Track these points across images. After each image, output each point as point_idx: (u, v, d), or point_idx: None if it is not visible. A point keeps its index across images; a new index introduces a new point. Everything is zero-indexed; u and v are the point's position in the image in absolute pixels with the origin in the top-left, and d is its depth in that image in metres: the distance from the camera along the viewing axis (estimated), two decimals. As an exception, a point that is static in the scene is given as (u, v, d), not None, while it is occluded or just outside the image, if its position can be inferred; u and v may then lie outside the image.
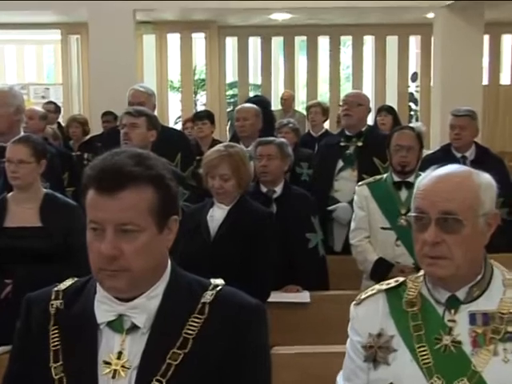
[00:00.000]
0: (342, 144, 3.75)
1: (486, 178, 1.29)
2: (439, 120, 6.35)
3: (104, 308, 1.14)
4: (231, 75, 9.16)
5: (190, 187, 3.26)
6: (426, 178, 1.28)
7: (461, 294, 1.28)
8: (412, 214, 1.27)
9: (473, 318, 1.26)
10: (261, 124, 3.95)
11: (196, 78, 9.45)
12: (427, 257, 1.25)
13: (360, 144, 3.70)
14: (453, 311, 1.28)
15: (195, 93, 9.27)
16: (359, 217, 3.09)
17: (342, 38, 8.48)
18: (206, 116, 4.66)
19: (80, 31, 7.68)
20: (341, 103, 3.82)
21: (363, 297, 1.35)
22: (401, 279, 1.35)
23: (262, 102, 4.96)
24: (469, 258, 1.25)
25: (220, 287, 1.18)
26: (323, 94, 9.17)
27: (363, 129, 3.76)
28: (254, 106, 4.11)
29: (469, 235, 1.24)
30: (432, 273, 1.26)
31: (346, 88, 8.95)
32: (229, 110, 8.57)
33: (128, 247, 1.09)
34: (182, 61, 8.25)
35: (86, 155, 5.35)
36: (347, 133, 3.78)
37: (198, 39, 8.69)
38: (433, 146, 6.27)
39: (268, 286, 2.64)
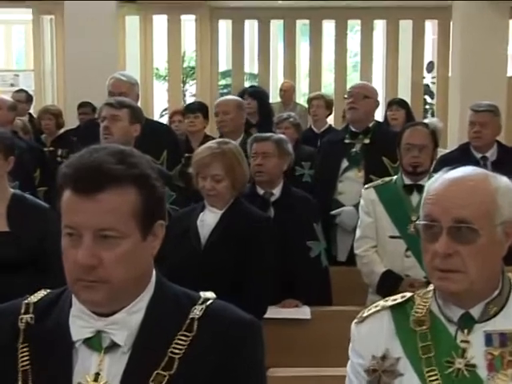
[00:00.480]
0: (346, 141, 3.77)
1: (504, 181, 1.29)
2: (458, 115, 6.37)
3: (80, 324, 1.15)
4: (224, 63, 9.17)
5: (178, 188, 3.28)
6: (436, 182, 1.28)
7: (475, 311, 1.28)
8: (421, 221, 1.28)
9: (489, 338, 1.26)
10: (244, 118, 3.99)
11: (185, 65, 9.46)
12: (438, 270, 1.25)
13: (367, 141, 3.72)
14: (466, 331, 1.28)
15: (184, 82, 9.27)
16: (365, 224, 3.10)
17: (350, 22, 8.51)
18: (199, 109, 4.67)
19: (54, 11, 7.69)
20: (346, 95, 3.84)
21: (366, 314, 1.35)
22: (408, 295, 1.36)
23: (259, 94, 5.02)
24: (485, 271, 1.25)
25: (210, 301, 1.19)
26: (327, 85, 9.19)
27: (370, 124, 3.79)
28: (235, 97, 4.12)
29: (485, 246, 1.24)
30: (443, 288, 1.26)
31: (353, 78, 8.98)
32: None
33: (108, 255, 1.10)
34: (170, 46, 8.27)
35: (59, 151, 5.36)
36: (352, 129, 3.80)
37: (188, 22, 8.71)
38: (450, 144, 6.30)
39: (265, 300, 2.67)
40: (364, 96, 3.72)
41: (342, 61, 8.45)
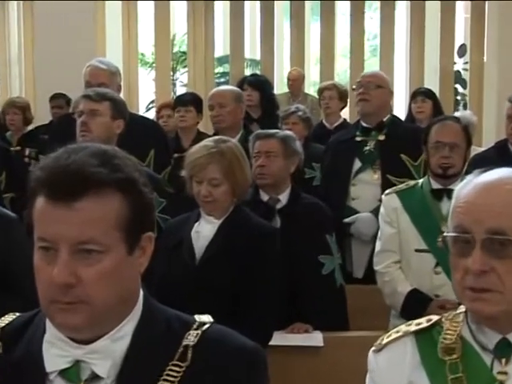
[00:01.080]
0: (357, 139, 3.81)
1: None
2: (494, 108, 6.39)
3: (55, 352, 1.15)
4: (221, 47, 9.19)
5: (168, 195, 3.30)
6: (467, 186, 1.30)
7: (515, 337, 1.28)
8: (450, 233, 1.28)
9: (530, 369, 1.26)
10: (243, 112, 4.01)
11: (175, 50, 9.50)
12: (470, 289, 1.25)
13: (382, 138, 3.77)
14: (504, 360, 1.28)
15: (174, 70, 9.30)
16: (387, 235, 3.10)
17: (368, -1, 8.53)
18: (192, 101, 4.69)
19: (22, -11, 7.72)
20: (354, 86, 3.88)
21: (385, 341, 1.35)
22: (434, 318, 1.36)
23: (261, 83, 5.04)
24: None
25: (207, 326, 1.20)
26: (342, 73, 9.22)
27: (385, 118, 3.82)
28: (233, 87, 4.14)
29: None
30: (477, 310, 1.27)
31: (372, 64, 9.01)
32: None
33: (88, 273, 1.10)
34: (157, 28, 8.29)
35: (27, 151, 5.37)
36: (364, 124, 3.84)
37: (178, 0, 8.74)
38: (486, 142, 6.31)
39: (270, 324, 2.68)
40: (376, 86, 3.76)
41: (359, 44, 8.43)
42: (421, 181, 3.15)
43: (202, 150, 2.68)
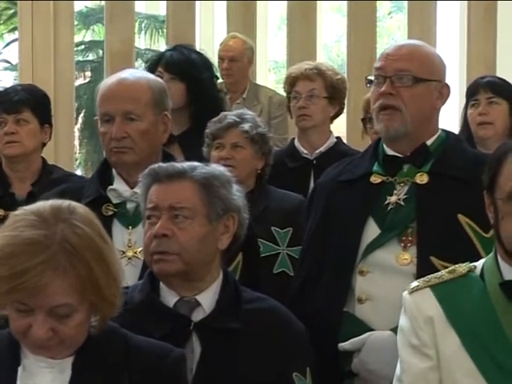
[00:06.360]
0: (374, 180, 3.95)
1: None
2: None
3: None
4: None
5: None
6: None
7: None
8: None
9: None
10: (168, 129, 4.00)
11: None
12: None
13: (422, 179, 3.91)
14: None
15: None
16: (414, 373, 3.11)
17: None
18: (30, 102, 4.82)
19: None
20: (370, 77, 3.92)
21: None
22: None
23: (195, 67, 5.18)
24: None
25: None
26: (331, 48, 9.32)
27: (430, 141, 3.95)
28: (149, 77, 4.08)
29: None
30: None
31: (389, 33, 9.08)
32: (80, 83, 8.60)
33: None
34: None
35: None
36: (389, 151, 3.97)
37: None
38: None
39: None
40: (414, 78, 3.84)
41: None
42: (480, 264, 3.20)
43: (24, 247, 2.56)
